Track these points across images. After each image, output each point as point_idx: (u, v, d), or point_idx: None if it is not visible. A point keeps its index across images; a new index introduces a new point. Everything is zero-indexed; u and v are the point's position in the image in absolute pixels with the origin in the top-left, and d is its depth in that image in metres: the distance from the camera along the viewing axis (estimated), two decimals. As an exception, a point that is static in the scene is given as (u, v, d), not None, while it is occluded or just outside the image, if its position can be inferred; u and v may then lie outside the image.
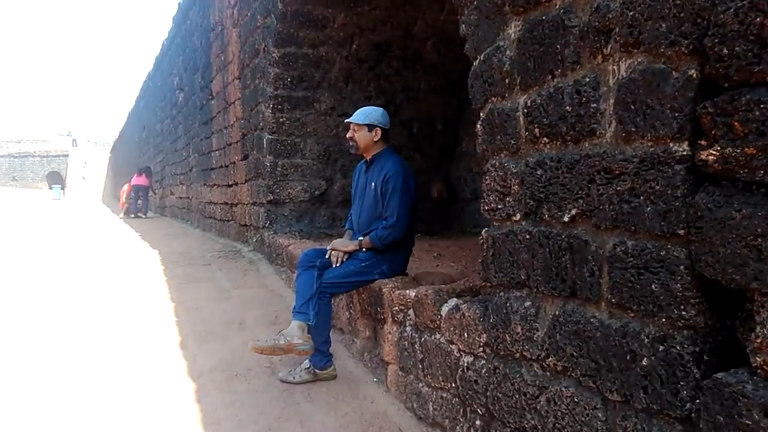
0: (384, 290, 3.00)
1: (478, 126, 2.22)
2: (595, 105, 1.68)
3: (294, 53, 5.36)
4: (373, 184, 3.13)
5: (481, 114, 2.21)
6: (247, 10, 6.31)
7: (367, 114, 3.16)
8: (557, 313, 1.84)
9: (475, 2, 2.21)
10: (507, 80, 2.05)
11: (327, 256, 3.17)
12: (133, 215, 14.51)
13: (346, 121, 3.24)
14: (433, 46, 5.57)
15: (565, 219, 1.79)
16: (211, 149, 8.73)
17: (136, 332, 3.95)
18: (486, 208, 2.18)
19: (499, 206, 2.10)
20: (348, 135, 3.21)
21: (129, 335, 3.89)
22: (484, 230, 2.22)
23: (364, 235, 3.15)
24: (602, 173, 1.65)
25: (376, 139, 3.15)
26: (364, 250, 3.14)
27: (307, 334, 2.97)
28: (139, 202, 14.74)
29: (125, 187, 15.28)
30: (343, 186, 5.65)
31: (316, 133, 5.62)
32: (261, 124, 5.83)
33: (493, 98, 2.13)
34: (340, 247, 3.18)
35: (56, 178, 47.84)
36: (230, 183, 7.44)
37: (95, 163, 44.79)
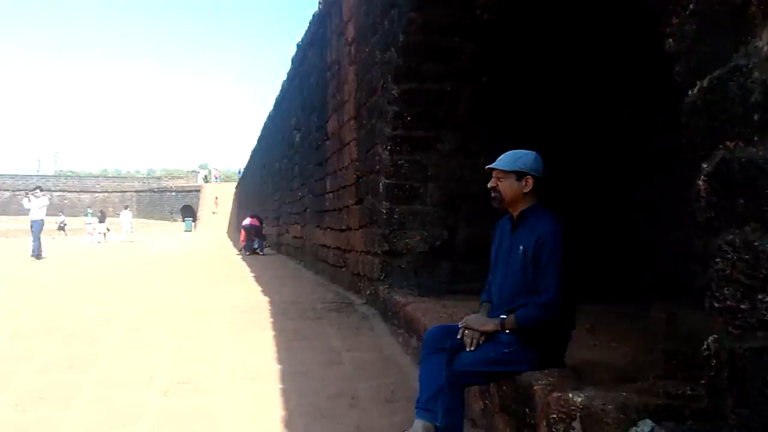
0: (536, 388, 2.31)
1: (700, 183, 1.52)
2: None
3: (415, 89, 4.87)
4: (521, 247, 2.46)
5: (705, 165, 1.51)
6: (365, 45, 5.96)
7: (515, 158, 2.52)
8: None
9: (691, 5, 1.53)
10: (757, 116, 1.35)
11: (459, 337, 2.54)
12: (248, 252, 14.78)
13: (487, 167, 2.61)
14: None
15: None
16: (325, 191, 8.48)
17: (239, 399, 3.52)
18: (716, 304, 1.46)
19: (743, 306, 1.38)
20: (490, 184, 2.57)
21: (233, 402, 3.47)
22: (710, 337, 1.49)
23: (507, 313, 2.49)
24: None
25: (526, 190, 2.49)
26: (507, 332, 2.47)
27: (435, 438, 2.34)
28: (255, 240, 15.08)
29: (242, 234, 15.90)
30: (468, 236, 5.02)
31: (438, 177, 5.06)
32: (377, 166, 5.37)
33: (728, 142, 1.43)
34: (475, 325, 2.53)
35: (189, 212, 51.63)
36: (343, 227, 7.06)
37: (224, 198, 47.87)
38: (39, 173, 74.96)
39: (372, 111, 5.67)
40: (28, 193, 14.44)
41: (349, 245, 6.76)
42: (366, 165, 5.90)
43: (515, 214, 2.56)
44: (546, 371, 2.38)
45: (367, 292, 5.77)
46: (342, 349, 4.52)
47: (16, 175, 64.97)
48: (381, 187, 5.20)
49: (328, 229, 8.20)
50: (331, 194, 8.02)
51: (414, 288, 4.91)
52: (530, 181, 2.48)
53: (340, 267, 7.37)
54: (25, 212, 14.54)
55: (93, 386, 3.71)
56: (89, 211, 31.92)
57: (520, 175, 2.48)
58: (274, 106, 16.07)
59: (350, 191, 6.66)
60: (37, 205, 13.75)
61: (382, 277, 5.16)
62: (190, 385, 3.76)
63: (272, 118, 16.84)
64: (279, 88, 14.61)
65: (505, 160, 2.53)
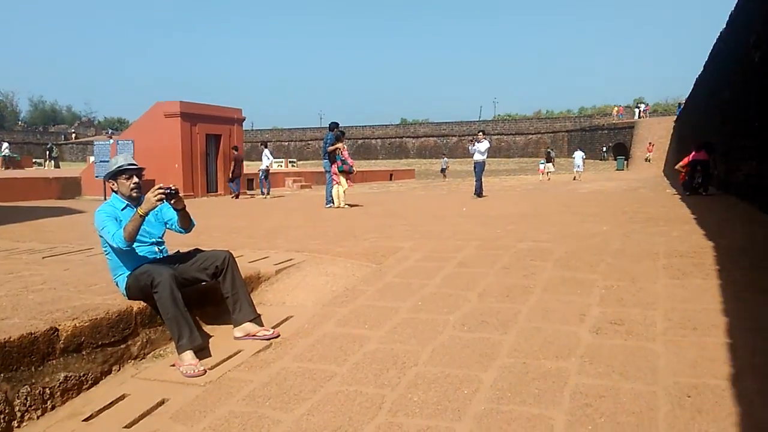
0: None
1: None
2: None
3: None
4: None
5: None
6: None
7: None
8: None
9: None
10: None
11: None
12: (688, 192, 13.33)
13: None
14: None
15: None
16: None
17: (676, 348, 3.22)
18: None
19: None
20: None
21: (669, 350, 3.20)
22: None
23: None
24: None
25: None
26: None
27: None
28: (700, 176, 13.36)
29: (684, 161, 14.29)
30: None
31: None
32: None
33: None
34: None
35: (621, 150, 52.53)
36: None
37: (659, 136, 46.06)
38: (480, 119, 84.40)
39: None
40: (472, 138, 16.34)
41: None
42: None
43: None
44: None
45: None
46: (816, 310, 3.63)
47: (461, 122, 74.98)
48: None
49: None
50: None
51: None
52: None
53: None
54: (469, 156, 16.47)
55: (527, 316, 3.96)
56: (549, 151, 37.69)
57: None
58: (727, 24, 13.75)
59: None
60: (479, 149, 15.44)
61: None
62: (623, 327, 3.65)
63: (724, 39, 14.48)
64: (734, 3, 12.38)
65: None
